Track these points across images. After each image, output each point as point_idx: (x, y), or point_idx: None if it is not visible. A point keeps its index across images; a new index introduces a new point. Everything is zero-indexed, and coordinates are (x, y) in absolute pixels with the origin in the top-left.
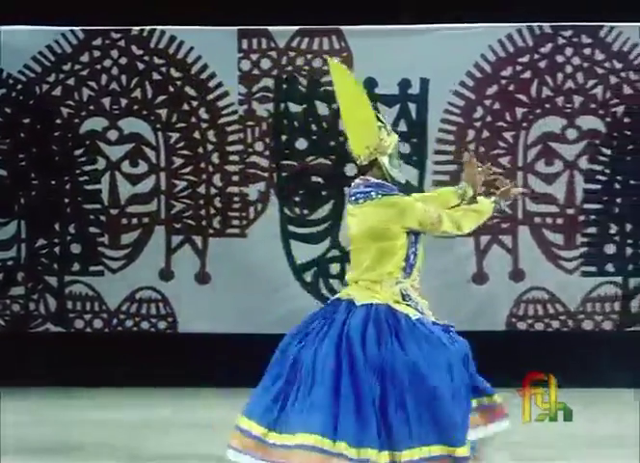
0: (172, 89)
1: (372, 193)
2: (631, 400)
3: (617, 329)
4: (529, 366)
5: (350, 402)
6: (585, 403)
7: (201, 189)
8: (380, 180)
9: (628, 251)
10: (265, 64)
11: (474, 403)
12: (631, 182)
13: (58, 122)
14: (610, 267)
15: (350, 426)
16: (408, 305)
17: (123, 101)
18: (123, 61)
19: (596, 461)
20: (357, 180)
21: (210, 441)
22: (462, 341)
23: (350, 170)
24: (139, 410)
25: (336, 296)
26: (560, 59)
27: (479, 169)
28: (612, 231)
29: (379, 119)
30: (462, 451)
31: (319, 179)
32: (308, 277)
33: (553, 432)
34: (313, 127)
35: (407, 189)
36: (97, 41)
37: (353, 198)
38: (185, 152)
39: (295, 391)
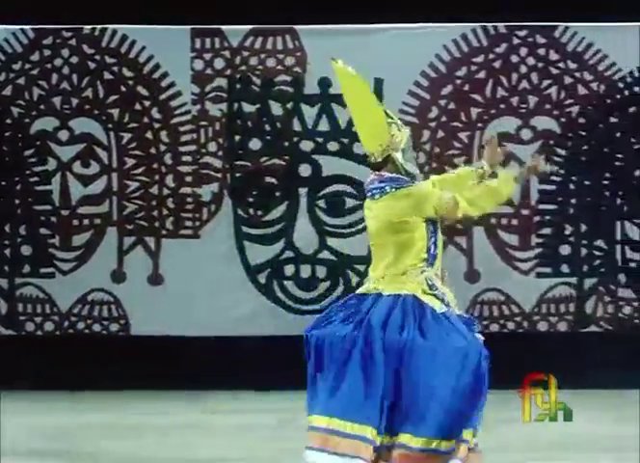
0: (123, 88)
1: (386, 187)
2: (586, 401)
3: (572, 330)
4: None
5: (358, 382)
6: None
7: (154, 190)
8: (394, 175)
9: (583, 251)
10: (218, 63)
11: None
12: (586, 183)
13: (8, 121)
14: (565, 268)
15: (353, 404)
16: (434, 295)
17: (74, 101)
18: (75, 60)
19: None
20: (371, 176)
21: (163, 444)
22: (478, 338)
23: (304, 170)
24: (89, 413)
25: (360, 291)
26: (515, 59)
27: (499, 149)
28: (567, 232)
29: (388, 115)
30: (446, 445)
31: (273, 180)
32: (262, 278)
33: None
34: (267, 127)
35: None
36: (48, 40)
37: (369, 193)
38: (137, 153)
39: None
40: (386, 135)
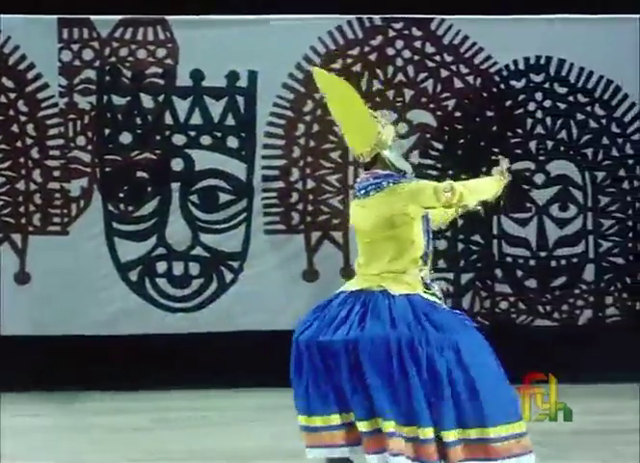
0: None
1: (383, 183)
2: None
3: None
4: None
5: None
6: None
7: (20, 185)
8: (387, 171)
9: (460, 246)
10: (87, 54)
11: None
12: (462, 177)
13: None
14: (442, 263)
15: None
16: (433, 294)
17: None
18: None
19: None
20: (362, 175)
21: (36, 446)
22: None
23: (176, 165)
24: None
25: (353, 288)
26: (391, 52)
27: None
28: (443, 227)
29: (372, 113)
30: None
31: (144, 175)
32: (134, 276)
33: None
34: (138, 121)
35: (416, 176)
36: None
37: (363, 191)
38: (3, 147)
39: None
40: (374, 134)
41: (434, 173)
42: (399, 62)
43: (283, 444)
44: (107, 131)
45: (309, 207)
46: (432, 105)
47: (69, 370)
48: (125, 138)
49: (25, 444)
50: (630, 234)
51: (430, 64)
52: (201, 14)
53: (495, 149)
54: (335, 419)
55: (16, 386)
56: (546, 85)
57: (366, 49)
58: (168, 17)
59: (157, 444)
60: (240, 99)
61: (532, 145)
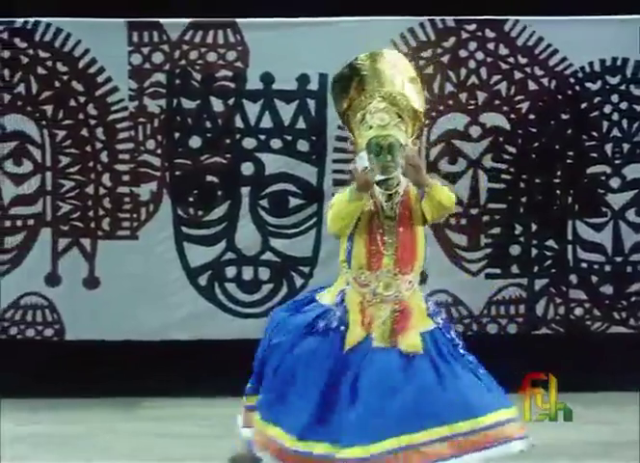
0: (58, 84)
1: None
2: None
3: (522, 332)
4: None
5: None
6: None
7: (90, 189)
8: None
9: (534, 252)
10: (157, 58)
11: None
12: (537, 181)
13: None
14: (515, 269)
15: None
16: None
17: (6, 97)
18: (6, 54)
19: None
20: None
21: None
22: None
23: (246, 169)
24: (20, 424)
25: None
26: (463, 54)
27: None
28: (517, 232)
29: None
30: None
31: (214, 179)
32: (203, 281)
33: None
34: (208, 124)
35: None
36: None
37: None
38: (72, 151)
39: None
40: None
41: (507, 177)
42: (472, 64)
43: None
44: (177, 135)
45: None
46: (505, 108)
47: (136, 375)
48: (195, 142)
49: (94, 447)
50: None
51: (504, 66)
52: (272, 17)
53: (570, 153)
54: None
55: (80, 392)
56: (623, 87)
57: (439, 51)
58: (238, 20)
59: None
60: (311, 102)
61: (608, 148)
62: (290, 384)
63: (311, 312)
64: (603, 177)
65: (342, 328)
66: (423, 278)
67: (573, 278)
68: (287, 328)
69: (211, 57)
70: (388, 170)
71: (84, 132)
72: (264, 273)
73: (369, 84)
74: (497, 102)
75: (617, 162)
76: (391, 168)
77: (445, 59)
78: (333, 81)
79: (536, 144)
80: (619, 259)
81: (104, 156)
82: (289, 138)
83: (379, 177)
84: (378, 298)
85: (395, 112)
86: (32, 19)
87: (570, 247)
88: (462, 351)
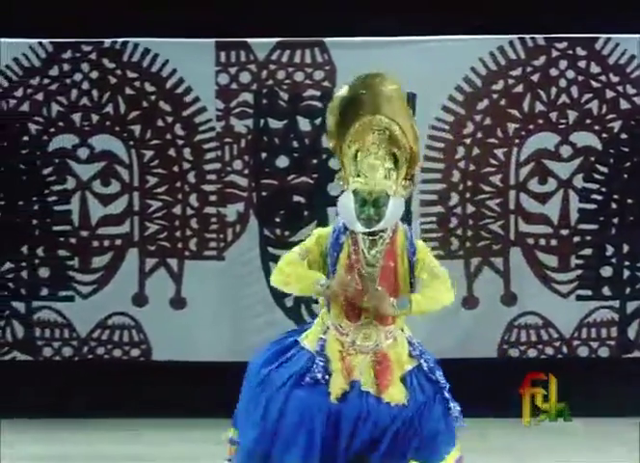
0: (145, 104)
1: None
2: (628, 429)
3: (614, 356)
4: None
5: None
6: (587, 432)
7: (177, 209)
8: None
9: (626, 273)
10: (244, 77)
11: None
12: (629, 201)
13: (25, 139)
14: (607, 291)
15: None
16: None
17: (95, 117)
18: (95, 75)
19: None
20: None
21: None
22: None
23: (332, 189)
24: (103, 444)
25: None
26: (554, 72)
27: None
28: (608, 253)
29: None
30: None
31: (301, 199)
32: (289, 302)
33: None
34: (295, 144)
35: None
36: (67, 54)
37: None
38: (160, 171)
39: None
40: None
41: (598, 197)
42: (562, 82)
43: None
44: (264, 155)
45: (469, 233)
46: (597, 127)
47: (221, 397)
48: (282, 162)
49: None
50: None
51: (595, 84)
52: (359, 36)
53: None
54: None
55: (166, 412)
56: None
57: (529, 70)
58: (326, 39)
59: None
60: None
61: None
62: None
63: (295, 363)
64: None
65: (327, 378)
66: (511, 300)
67: None
68: (275, 384)
69: (298, 76)
70: (371, 223)
71: (171, 152)
72: None
73: (365, 108)
74: (589, 121)
75: None
76: (374, 221)
77: (535, 77)
78: (328, 110)
79: (628, 163)
80: None
81: (191, 177)
82: None
83: (359, 229)
84: (357, 348)
85: (389, 151)
86: (120, 40)
87: None
88: (446, 395)
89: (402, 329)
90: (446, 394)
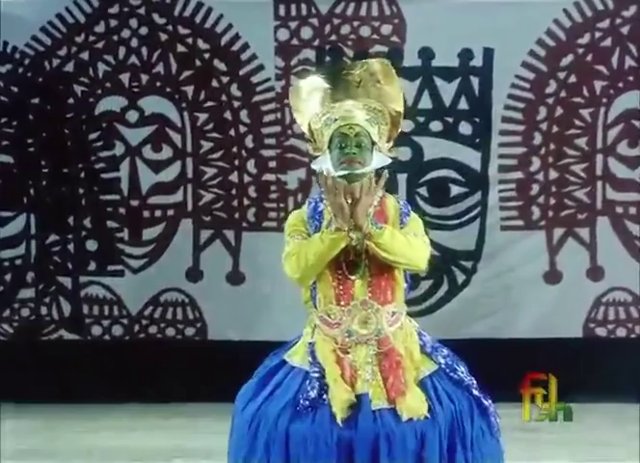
0: (199, 63)
1: None
2: None
3: None
4: (610, 377)
5: None
6: None
7: (234, 177)
8: None
9: None
10: (306, 33)
11: None
12: None
13: (70, 101)
14: None
15: None
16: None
17: (144, 78)
18: (144, 31)
19: None
20: None
21: None
22: None
23: (402, 154)
24: (155, 431)
25: None
26: None
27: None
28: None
29: None
30: None
31: None
32: None
33: None
34: None
35: None
36: (114, 9)
37: None
38: (215, 135)
39: None
40: None
41: None
42: None
43: None
44: None
45: (552, 201)
46: None
47: None
48: None
49: None
50: None
51: None
52: None
53: None
54: None
55: (223, 396)
56: None
57: (618, 21)
58: None
59: None
60: (474, 80)
61: None
62: None
63: (288, 387)
64: None
65: (325, 397)
66: (598, 274)
67: None
68: (269, 419)
69: (364, 31)
70: (354, 165)
71: (227, 115)
72: None
73: (337, 96)
74: None
75: None
76: (357, 163)
77: (625, 30)
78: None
79: None
80: None
81: (249, 141)
82: (450, 120)
83: (340, 172)
84: (354, 339)
85: (369, 107)
86: None
87: None
88: (475, 392)
89: (408, 319)
90: (475, 392)
